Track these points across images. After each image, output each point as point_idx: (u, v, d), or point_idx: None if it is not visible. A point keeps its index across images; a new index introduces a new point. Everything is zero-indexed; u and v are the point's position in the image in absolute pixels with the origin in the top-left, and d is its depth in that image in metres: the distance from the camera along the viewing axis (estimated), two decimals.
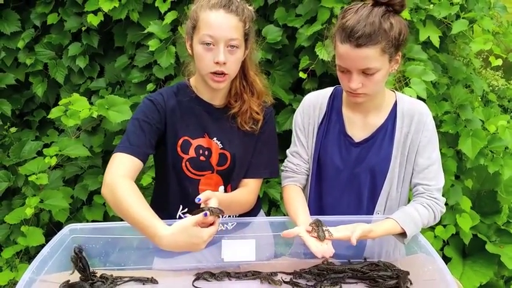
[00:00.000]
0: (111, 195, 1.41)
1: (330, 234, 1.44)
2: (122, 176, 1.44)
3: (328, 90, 1.77)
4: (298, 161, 1.77)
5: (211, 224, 1.35)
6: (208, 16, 1.51)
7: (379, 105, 1.67)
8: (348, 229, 1.45)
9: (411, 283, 1.52)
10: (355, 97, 1.57)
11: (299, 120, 1.76)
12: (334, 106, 1.73)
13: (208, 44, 1.51)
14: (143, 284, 1.55)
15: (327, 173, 1.72)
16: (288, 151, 1.81)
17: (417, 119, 1.64)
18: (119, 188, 1.40)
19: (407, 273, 1.55)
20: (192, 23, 1.56)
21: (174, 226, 1.29)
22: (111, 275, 1.56)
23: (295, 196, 1.72)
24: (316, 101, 1.75)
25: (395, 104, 1.68)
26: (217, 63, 1.51)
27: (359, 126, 1.69)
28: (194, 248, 1.31)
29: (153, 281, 1.56)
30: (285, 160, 1.81)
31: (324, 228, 1.46)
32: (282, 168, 1.82)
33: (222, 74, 1.54)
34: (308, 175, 1.78)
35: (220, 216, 1.37)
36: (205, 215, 1.30)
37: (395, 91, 1.74)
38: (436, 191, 1.64)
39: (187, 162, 1.64)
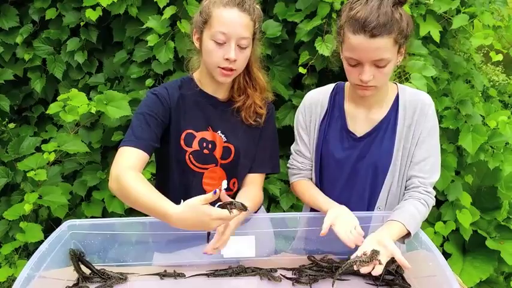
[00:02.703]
0: (118, 186, 1.43)
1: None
2: (128, 167, 1.46)
3: (329, 87, 1.77)
4: (302, 159, 1.78)
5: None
6: (222, 13, 1.52)
7: (382, 99, 1.67)
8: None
9: (398, 270, 1.55)
10: (364, 90, 1.56)
11: (301, 118, 1.77)
12: (336, 102, 1.73)
13: (220, 41, 1.53)
14: (174, 278, 1.57)
15: (328, 168, 1.73)
16: (292, 149, 1.83)
17: (420, 110, 1.64)
18: (125, 178, 1.42)
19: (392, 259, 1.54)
20: (203, 17, 1.57)
21: (183, 204, 1.32)
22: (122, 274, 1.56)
23: (308, 186, 1.76)
24: (317, 98, 1.75)
25: (397, 96, 1.68)
26: (227, 59, 1.53)
27: (361, 121, 1.69)
28: (204, 226, 1.32)
29: (180, 275, 1.57)
30: (290, 157, 1.84)
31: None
32: (288, 165, 1.85)
33: (231, 69, 1.56)
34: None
35: (244, 211, 1.37)
36: (214, 192, 1.30)
37: (397, 83, 1.73)
38: (430, 184, 1.65)
39: (190, 155, 1.64)
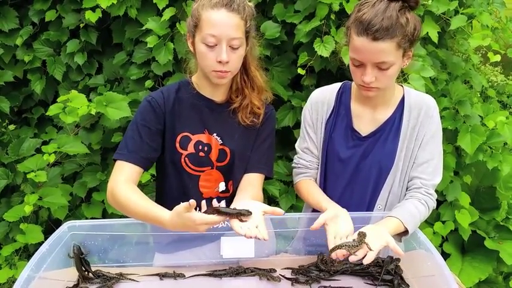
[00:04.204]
0: (113, 200, 1.52)
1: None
2: (122, 181, 1.53)
3: (336, 86, 1.78)
4: (310, 157, 1.79)
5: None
6: (210, 15, 1.51)
7: (388, 100, 1.69)
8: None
9: (397, 270, 1.55)
10: (367, 91, 1.58)
11: (307, 116, 1.78)
12: (342, 101, 1.75)
13: (211, 43, 1.52)
14: (174, 278, 1.58)
15: (333, 165, 1.74)
16: (297, 147, 1.83)
17: (424, 112, 1.66)
18: (120, 192, 1.50)
19: (391, 257, 1.56)
20: (193, 21, 1.56)
21: (172, 211, 1.37)
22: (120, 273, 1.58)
23: (312, 187, 1.76)
24: (323, 96, 1.76)
25: (403, 98, 1.70)
26: (219, 62, 1.53)
27: (367, 121, 1.71)
28: (192, 230, 1.36)
29: (180, 275, 1.58)
30: (296, 157, 1.84)
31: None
32: (293, 165, 1.85)
33: (225, 71, 1.56)
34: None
35: (246, 218, 1.42)
36: (189, 204, 1.32)
37: (403, 85, 1.75)
38: (432, 186, 1.66)
39: (186, 158, 1.64)
